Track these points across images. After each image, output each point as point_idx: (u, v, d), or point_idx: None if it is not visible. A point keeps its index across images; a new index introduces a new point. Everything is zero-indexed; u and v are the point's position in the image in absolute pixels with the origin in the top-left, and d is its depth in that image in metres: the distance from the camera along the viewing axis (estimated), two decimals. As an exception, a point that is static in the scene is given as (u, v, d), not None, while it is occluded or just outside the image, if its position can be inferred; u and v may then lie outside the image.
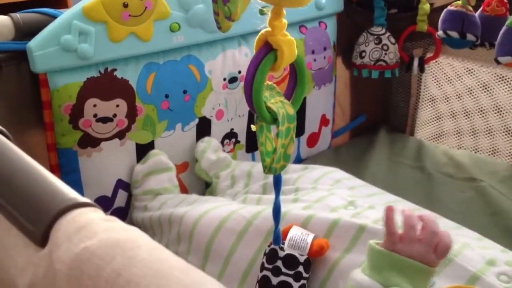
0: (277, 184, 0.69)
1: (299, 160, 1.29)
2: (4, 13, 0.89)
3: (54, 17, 0.90)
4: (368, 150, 1.35)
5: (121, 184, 1.03)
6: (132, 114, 0.99)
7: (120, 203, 1.04)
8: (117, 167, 1.02)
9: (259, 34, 0.60)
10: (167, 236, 0.92)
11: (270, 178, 0.97)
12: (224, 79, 1.10)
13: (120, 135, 0.99)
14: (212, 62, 1.08)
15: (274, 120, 0.63)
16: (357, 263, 0.72)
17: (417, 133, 1.44)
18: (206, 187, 1.14)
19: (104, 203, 1.01)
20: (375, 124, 1.47)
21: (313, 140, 1.32)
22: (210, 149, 1.09)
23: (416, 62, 1.32)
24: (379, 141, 1.39)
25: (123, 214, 1.05)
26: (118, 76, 0.96)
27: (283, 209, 0.74)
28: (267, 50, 0.59)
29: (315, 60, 1.23)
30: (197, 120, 1.09)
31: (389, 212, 0.65)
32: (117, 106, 0.96)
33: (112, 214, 0.76)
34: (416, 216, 0.65)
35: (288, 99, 0.66)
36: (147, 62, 0.99)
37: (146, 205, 1.00)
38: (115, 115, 0.96)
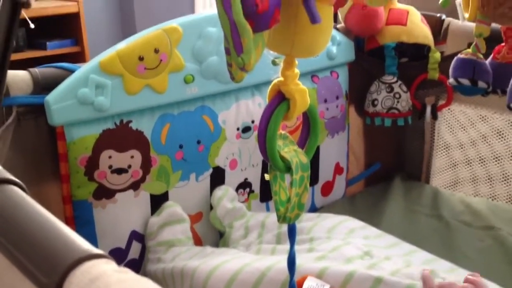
0: (292, 233, 0.69)
1: (314, 208, 1.28)
2: (24, 68, 0.92)
3: (71, 71, 0.93)
4: (383, 198, 1.34)
5: (135, 236, 1.03)
6: (146, 165, 0.99)
7: (134, 254, 1.04)
8: (131, 218, 1.02)
9: (272, 84, 0.61)
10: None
11: (284, 227, 0.97)
12: (238, 129, 1.11)
13: (135, 186, 0.99)
14: (226, 113, 1.09)
15: (288, 169, 0.63)
16: None
17: (433, 181, 1.43)
18: (220, 237, 1.13)
19: (118, 255, 1.01)
20: (390, 172, 1.46)
21: (327, 188, 1.31)
22: (227, 197, 1.09)
23: (428, 110, 1.32)
24: (394, 189, 1.38)
25: (137, 266, 1.04)
26: (133, 128, 0.97)
27: (298, 259, 0.72)
28: (280, 100, 0.60)
29: (327, 109, 1.24)
30: (211, 170, 1.09)
31: (426, 277, 0.64)
32: (132, 157, 0.97)
33: (126, 265, 0.75)
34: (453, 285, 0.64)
35: (301, 148, 0.66)
36: (162, 113, 1.01)
37: (159, 257, 0.99)
38: (130, 166, 0.97)
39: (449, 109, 1.34)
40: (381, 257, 0.82)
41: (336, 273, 0.77)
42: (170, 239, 1.00)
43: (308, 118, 0.66)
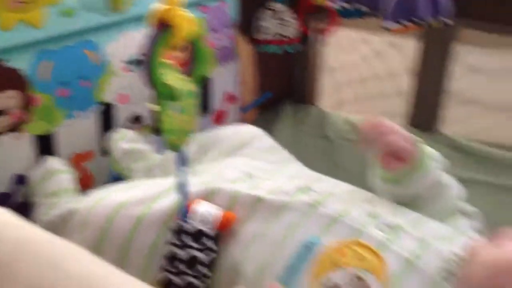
0: (182, 159, 0.70)
1: (208, 138, 1.30)
2: None
3: None
4: (274, 123, 1.39)
5: (20, 179, 1.00)
6: (27, 106, 0.95)
7: (21, 198, 1.00)
8: (14, 162, 0.98)
9: (154, 11, 0.60)
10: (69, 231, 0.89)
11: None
12: (126, 62, 1.08)
13: (16, 128, 0.95)
14: (111, 46, 1.06)
15: (174, 96, 0.64)
16: (254, 233, 0.74)
17: (320, 103, 1.50)
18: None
19: (3, 199, 0.98)
20: (280, 98, 1.51)
21: (220, 118, 1.33)
22: (125, 140, 1.08)
23: (315, 35, 1.36)
24: (284, 113, 1.43)
25: (25, 209, 1.01)
26: (8, 66, 0.92)
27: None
28: (163, 27, 0.60)
29: (217, 39, 1.24)
30: (99, 106, 1.07)
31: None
32: (9, 97, 0.92)
33: (14, 209, 0.74)
34: None
35: (188, 75, 0.67)
36: (41, 49, 0.96)
37: (45, 207, 0.97)
38: (8, 108, 0.92)
39: (333, 33, 1.38)
40: (262, 178, 0.85)
41: (222, 195, 0.80)
42: (54, 190, 0.98)
43: (193, 46, 0.66)
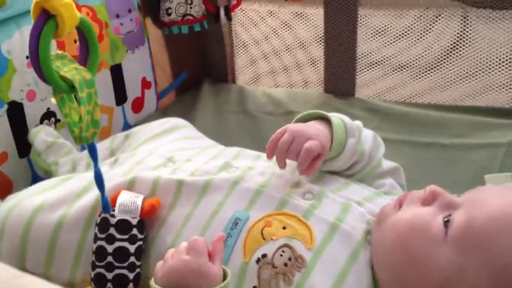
0: (93, 152, 0.69)
1: (127, 126, 1.27)
2: None
3: None
4: (194, 105, 1.39)
5: None
6: None
7: None
8: None
9: (34, 2, 0.58)
10: None
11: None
12: (27, 57, 1.04)
13: None
14: (9, 42, 1.01)
15: (72, 88, 0.62)
16: (181, 216, 0.75)
17: (238, 79, 1.50)
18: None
19: None
20: (198, 79, 1.50)
21: (138, 105, 1.31)
22: (44, 132, 1.04)
23: (222, 12, 1.36)
24: (204, 94, 1.43)
25: None
26: None
27: (106, 177, 0.73)
28: (46, 18, 0.57)
29: (122, 24, 1.21)
30: (6, 106, 1.02)
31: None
32: None
33: None
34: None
35: (83, 65, 0.65)
36: None
37: None
38: None
39: (240, 8, 1.38)
40: (182, 161, 0.85)
41: (144, 182, 0.79)
42: None
43: (83, 33, 0.64)
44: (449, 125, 1.18)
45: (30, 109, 1.07)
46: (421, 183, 0.75)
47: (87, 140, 0.66)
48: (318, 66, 1.37)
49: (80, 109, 0.63)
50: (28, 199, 0.84)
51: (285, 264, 0.69)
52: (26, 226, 0.80)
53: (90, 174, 0.75)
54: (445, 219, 0.65)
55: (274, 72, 1.43)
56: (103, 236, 0.73)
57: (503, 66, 1.19)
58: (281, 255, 0.69)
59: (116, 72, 1.22)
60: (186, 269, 0.61)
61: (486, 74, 1.20)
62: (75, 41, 1.08)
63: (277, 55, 1.40)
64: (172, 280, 0.61)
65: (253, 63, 1.46)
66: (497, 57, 1.18)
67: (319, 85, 1.39)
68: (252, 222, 0.73)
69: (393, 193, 0.83)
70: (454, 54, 1.22)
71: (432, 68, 1.25)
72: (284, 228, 0.71)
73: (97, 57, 0.65)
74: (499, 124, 1.15)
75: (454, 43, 1.21)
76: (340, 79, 1.34)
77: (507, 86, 1.19)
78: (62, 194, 0.83)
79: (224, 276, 0.63)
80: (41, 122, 1.09)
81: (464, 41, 1.20)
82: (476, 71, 1.21)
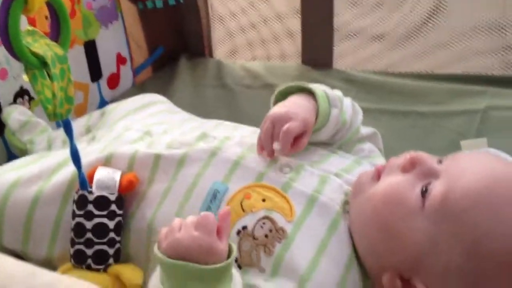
0: (68, 129, 0.68)
1: (103, 103, 1.26)
2: None
3: None
4: (171, 80, 1.37)
5: None
6: None
7: None
8: None
9: (1, -24, 0.56)
10: None
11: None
12: (-3, 35, 1.01)
13: None
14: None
15: (44, 64, 0.61)
16: (160, 190, 0.74)
17: (215, 53, 1.49)
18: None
19: None
20: (175, 54, 1.48)
21: (114, 81, 1.29)
22: (18, 112, 1.03)
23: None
24: (181, 68, 1.41)
25: None
26: None
27: (83, 153, 0.73)
28: (14, -7, 0.56)
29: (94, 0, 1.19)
30: (-22, 86, 1.01)
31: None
32: None
33: None
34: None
35: (55, 40, 0.64)
36: None
37: None
38: None
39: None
40: (159, 133, 0.85)
41: (121, 157, 0.79)
42: None
43: (54, 8, 0.62)
44: (426, 93, 1.18)
45: (3, 88, 1.05)
46: (399, 151, 0.75)
47: (61, 116, 0.65)
48: (295, 38, 1.36)
49: (53, 85, 0.62)
50: (3, 175, 0.83)
51: (266, 236, 0.69)
52: (1, 202, 0.79)
53: (66, 151, 0.74)
54: (423, 189, 0.66)
55: (251, 45, 1.42)
56: (81, 212, 0.73)
57: (478, 33, 1.19)
58: (261, 227, 0.69)
59: (90, 48, 1.20)
60: (195, 245, 0.60)
61: (461, 42, 1.21)
62: (46, 18, 1.05)
63: (254, 27, 1.39)
64: (178, 253, 0.60)
65: (230, 37, 1.44)
66: (472, 25, 1.19)
67: (297, 57, 1.38)
68: (231, 194, 0.73)
69: (372, 157, 0.84)
70: (430, 23, 1.22)
71: (408, 38, 1.25)
72: (263, 200, 0.72)
73: (68, 32, 0.64)
74: (475, 91, 1.16)
75: (430, 12, 1.21)
76: (317, 51, 1.33)
77: (482, 53, 1.20)
78: (37, 170, 0.82)
79: (230, 251, 0.62)
80: (15, 100, 1.07)
81: (439, 10, 1.20)
82: (452, 39, 1.21)
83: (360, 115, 0.86)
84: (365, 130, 0.87)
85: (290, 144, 0.74)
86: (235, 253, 0.62)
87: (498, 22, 1.16)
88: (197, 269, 0.59)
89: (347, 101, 0.85)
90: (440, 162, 0.70)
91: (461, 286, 0.62)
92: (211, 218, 0.62)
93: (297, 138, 0.75)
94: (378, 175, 0.71)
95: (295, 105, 0.78)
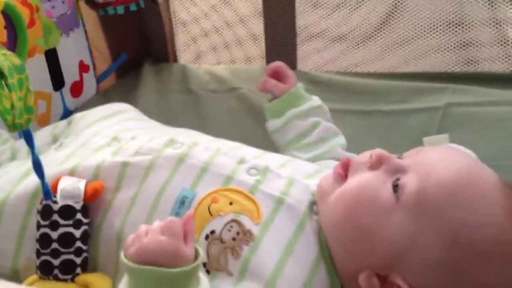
0: (29, 139, 0.67)
1: (67, 112, 1.24)
2: None
3: None
4: (136, 86, 1.36)
5: None
6: None
7: None
8: None
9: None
10: None
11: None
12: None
13: None
14: None
15: (1, 75, 0.60)
16: (127, 198, 0.75)
17: (179, 58, 1.48)
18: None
19: None
20: (138, 60, 1.47)
21: (77, 89, 1.28)
22: None
23: (158, -11, 1.34)
24: (145, 74, 1.41)
25: None
26: None
27: (45, 163, 0.72)
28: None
29: (53, 7, 1.17)
30: None
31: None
32: None
33: None
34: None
35: (12, 50, 0.63)
36: None
37: None
38: None
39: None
40: (127, 139, 0.84)
41: (86, 168, 0.78)
42: None
43: (10, 18, 0.62)
44: (388, 92, 1.21)
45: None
46: (363, 150, 0.76)
47: (21, 127, 0.64)
48: (259, 41, 1.37)
49: (11, 95, 0.61)
50: None
51: (233, 239, 0.69)
52: None
53: (29, 161, 0.73)
54: (394, 184, 0.66)
55: (215, 49, 1.42)
56: (46, 223, 0.72)
57: (436, 31, 1.22)
58: (229, 230, 0.70)
59: (51, 56, 1.18)
60: (161, 250, 0.60)
61: (421, 40, 1.23)
62: (5, 27, 1.04)
63: (217, 31, 1.40)
64: (144, 258, 0.60)
65: (194, 41, 1.44)
66: (431, 22, 1.21)
67: (261, 59, 1.39)
68: (198, 200, 0.73)
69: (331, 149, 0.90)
70: (390, 22, 1.24)
71: (369, 38, 1.27)
72: (231, 203, 0.72)
73: (25, 41, 0.63)
74: (436, 88, 1.18)
75: (390, 11, 1.24)
76: (281, 53, 1.34)
77: (442, 50, 1.23)
78: (0, 181, 0.81)
79: (196, 255, 0.62)
80: (-25, 112, 1.05)
81: (398, 9, 1.23)
82: (412, 38, 1.24)
83: (339, 139, 0.93)
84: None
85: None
86: (201, 256, 0.62)
87: (457, 19, 1.19)
88: (164, 273, 0.58)
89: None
90: (399, 158, 0.71)
91: (443, 279, 0.63)
92: (177, 223, 0.62)
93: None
94: (340, 175, 0.72)
95: None
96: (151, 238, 0.61)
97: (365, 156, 0.71)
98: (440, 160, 0.67)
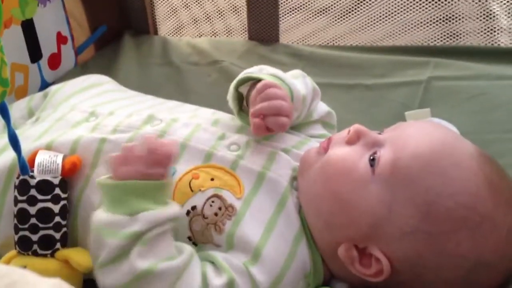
0: (4, 112, 0.66)
1: (45, 84, 1.22)
2: None
3: None
4: (116, 59, 1.34)
5: None
6: None
7: None
8: None
9: None
10: None
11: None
12: None
13: None
14: None
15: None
16: (106, 174, 0.73)
17: (160, 30, 1.46)
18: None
19: None
20: (118, 32, 1.44)
21: (54, 61, 1.25)
22: None
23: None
24: (125, 47, 1.38)
25: None
26: None
27: (22, 137, 0.70)
28: None
29: (29, -24, 1.14)
30: None
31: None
32: None
33: None
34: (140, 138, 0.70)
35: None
36: None
37: None
38: None
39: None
40: (105, 114, 0.83)
41: (63, 143, 0.77)
42: None
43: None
44: (371, 65, 1.20)
45: None
46: (347, 124, 0.76)
47: (-5, 100, 0.62)
48: (241, 13, 1.35)
49: (-16, 67, 0.59)
50: None
51: (216, 214, 0.69)
52: None
53: (5, 135, 0.72)
54: (371, 158, 0.67)
55: (196, 21, 1.40)
56: (23, 198, 0.70)
57: (419, 4, 1.21)
58: (210, 205, 0.70)
59: (28, 27, 1.15)
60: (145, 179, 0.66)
61: (403, 13, 1.23)
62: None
63: (198, 3, 1.37)
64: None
65: (174, 13, 1.42)
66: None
67: (243, 32, 1.37)
68: (179, 176, 0.72)
69: (323, 136, 0.85)
70: (372, -5, 1.24)
71: (352, 11, 1.26)
72: (212, 179, 0.72)
73: (0, 12, 0.61)
74: (418, 62, 1.18)
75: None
76: (263, 26, 1.33)
77: (424, 25, 1.22)
78: None
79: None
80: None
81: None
82: (394, 11, 1.23)
83: (318, 99, 0.88)
84: (320, 110, 0.88)
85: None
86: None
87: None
88: (140, 185, 0.65)
89: (308, 81, 0.86)
90: (380, 134, 0.71)
91: (419, 248, 0.64)
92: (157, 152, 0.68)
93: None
94: (324, 148, 0.72)
95: None
96: (136, 169, 0.67)
97: (345, 131, 0.72)
98: (416, 134, 0.69)
